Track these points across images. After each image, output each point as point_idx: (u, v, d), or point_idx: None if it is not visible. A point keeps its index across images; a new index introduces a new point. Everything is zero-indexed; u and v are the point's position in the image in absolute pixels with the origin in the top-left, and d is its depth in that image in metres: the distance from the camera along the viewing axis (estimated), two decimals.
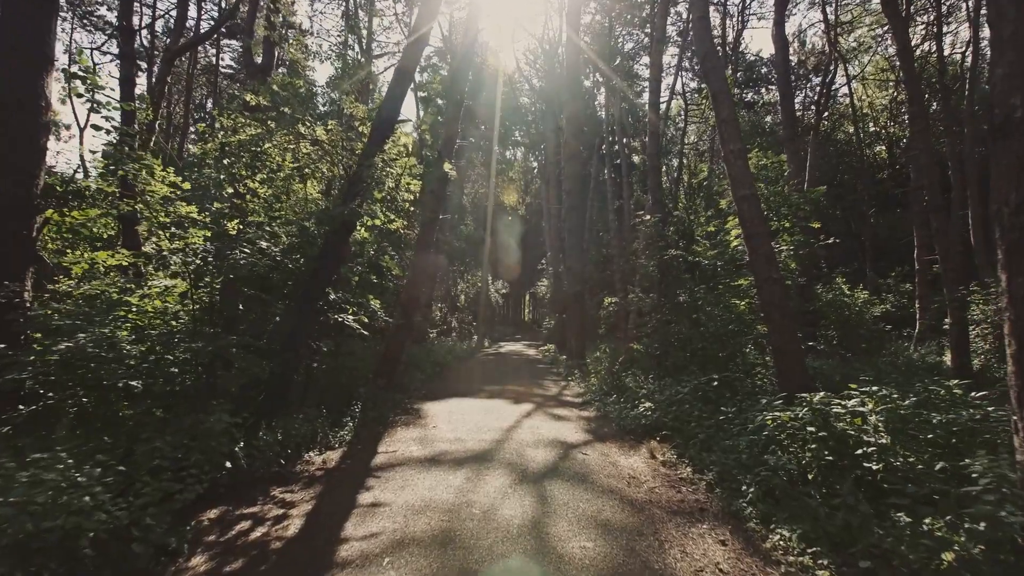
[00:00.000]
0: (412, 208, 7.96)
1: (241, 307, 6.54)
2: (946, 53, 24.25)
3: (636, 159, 37.83)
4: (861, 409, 4.40)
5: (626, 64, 35.00)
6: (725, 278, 8.95)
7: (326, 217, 6.40)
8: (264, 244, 6.09)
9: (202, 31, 21.90)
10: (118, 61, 11.63)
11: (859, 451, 4.16)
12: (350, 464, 5.34)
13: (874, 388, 5.09)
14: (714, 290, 8.69)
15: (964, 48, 25.86)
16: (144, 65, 23.66)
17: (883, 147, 33.43)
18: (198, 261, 5.44)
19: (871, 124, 33.81)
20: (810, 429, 4.45)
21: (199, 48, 26.49)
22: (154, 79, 22.35)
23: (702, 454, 5.32)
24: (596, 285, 26.12)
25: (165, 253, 5.63)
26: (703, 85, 33.55)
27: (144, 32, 23.41)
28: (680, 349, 8.75)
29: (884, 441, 4.10)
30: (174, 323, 5.92)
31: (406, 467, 5.18)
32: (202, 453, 4.23)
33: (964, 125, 20.19)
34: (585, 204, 22.18)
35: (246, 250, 5.71)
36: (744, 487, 4.29)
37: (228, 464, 4.35)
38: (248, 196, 6.74)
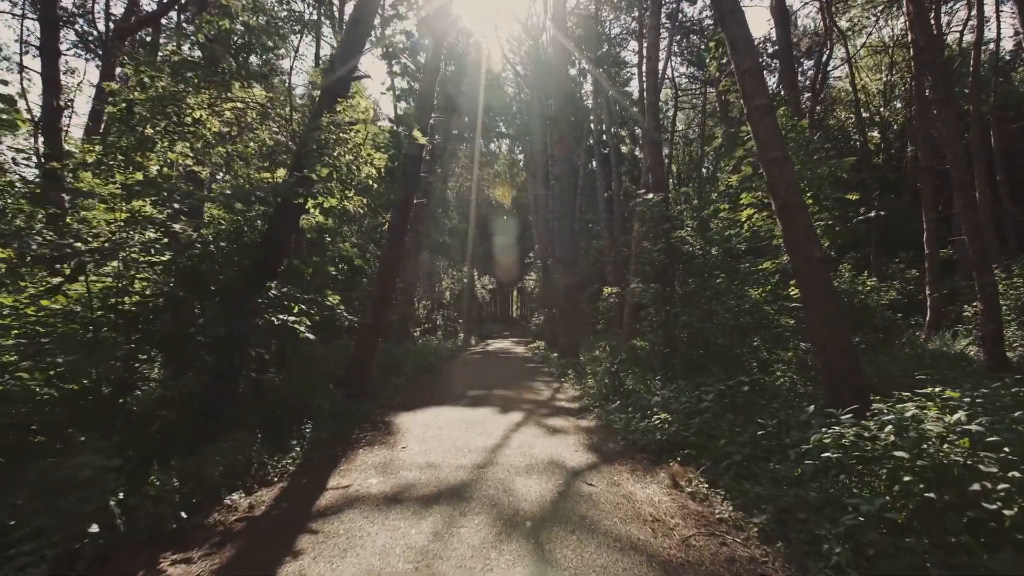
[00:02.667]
0: (377, 185, 6.67)
1: (160, 306, 5.25)
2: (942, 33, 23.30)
3: (624, 149, 36.81)
4: (970, 427, 3.23)
5: (613, 51, 33.77)
6: (744, 262, 7.79)
7: (265, 193, 5.09)
8: (178, 227, 4.78)
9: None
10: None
11: (974, 487, 3.00)
12: (285, 508, 4.07)
13: (947, 392, 3.97)
14: (734, 277, 7.52)
15: (962, 26, 25.10)
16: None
17: (875, 132, 32.62)
18: (81, 246, 4.13)
19: (862, 110, 32.98)
20: (898, 455, 3.28)
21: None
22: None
23: (743, 484, 4.13)
24: (586, 278, 24.94)
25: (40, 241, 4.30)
26: (698, 72, 32.60)
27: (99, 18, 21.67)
28: (690, 346, 7.57)
29: (1017, 475, 2.94)
30: (71, 327, 4.62)
31: (358, 512, 3.92)
32: (52, 516, 2.96)
33: (969, 104, 19.28)
34: (575, 191, 20.99)
35: (150, 234, 4.41)
36: (822, 541, 3.09)
37: (95, 527, 3.08)
38: (164, 168, 5.40)
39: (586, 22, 30.58)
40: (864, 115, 32.54)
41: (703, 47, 31.13)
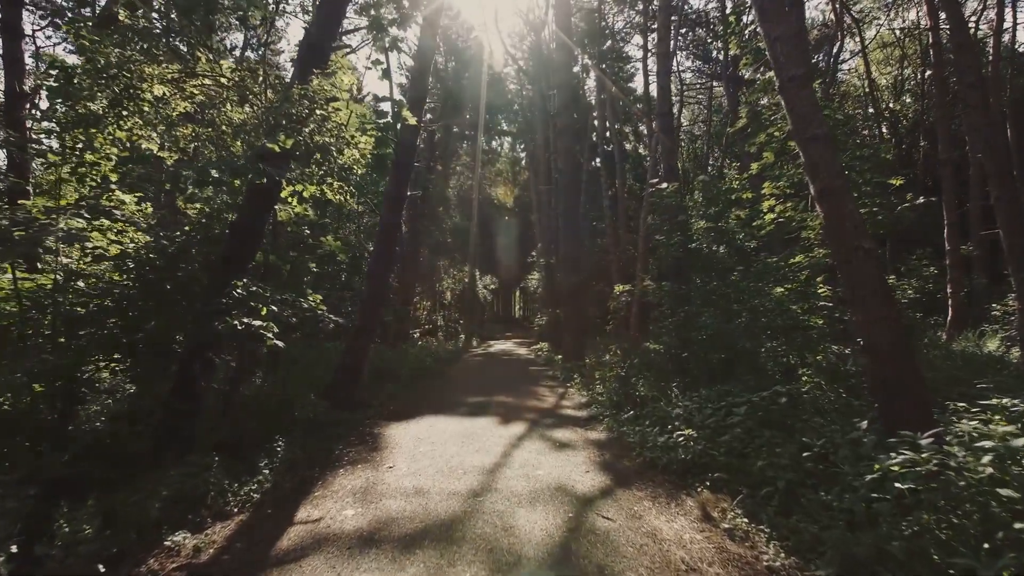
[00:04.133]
0: (361, 171, 5.95)
1: (107, 308, 4.56)
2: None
3: (628, 146, 36.10)
4: None
5: (617, 46, 33.04)
6: (760, 258, 7.07)
7: (222, 172, 4.37)
8: (118, 214, 4.09)
9: None
10: None
11: None
12: (238, 552, 3.36)
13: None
14: (759, 273, 6.78)
15: (976, 17, 24.26)
16: None
17: (884, 128, 31.77)
18: None
19: (869, 105, 32.15)
20: (1006, 494, 2.57)
21: None
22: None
23: (792, 519, 3.42)
24: (591, 277, 24.20)
25: None
26: (704, 66, 31.81)
27: None
28: (710, 349, 6.84)
29: None
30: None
31: (323, 558, 3.21)
32: None
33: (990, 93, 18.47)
34: (579, 186, 20.28)
35: (79, 224, 3.72)
36: None
37: None
38: (111, 149, 4.70)
39: (589, 16, 29.87)
40: (871, 111, 31.72)
41: (709, 40, 30.43)
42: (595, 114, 30.72)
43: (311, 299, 5.93)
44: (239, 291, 4.67)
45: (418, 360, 13.56)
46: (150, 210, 5.57)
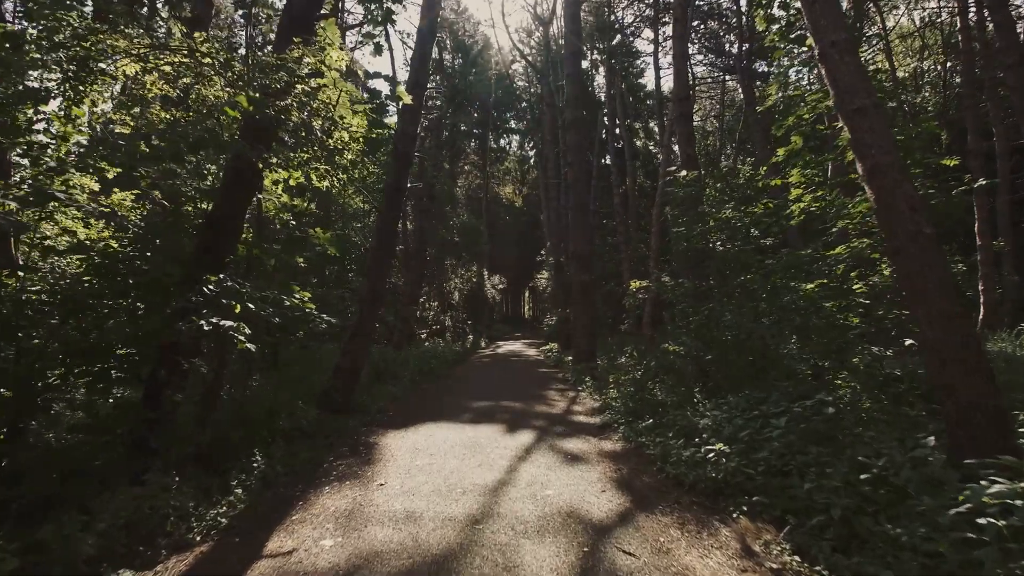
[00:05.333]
0: (351, 157, 5.41)
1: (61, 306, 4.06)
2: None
3: (638, 144, 35.46)
4: None
5: (627, 41, 32.34)
6: (807, 247, 6.45)
7: (187, 143, 3.84)
8: (80, 200, 3.58)
9: None
10: None
11: None
12: None
13: None
14: (791, 267, 6.16)
15: None
16: None
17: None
18: None
19: (891, 99, 31.16)
20: None
21: None
22: None
23: (855, 559, 2.82)
24: (601, 276, 23.55)
25: None
26: (716, 60, 31.00)
27: None
28: (737, 351, 6.23)
29: None
30: None
31: None
32: None
33: None
34: (589, 180, 19.67)
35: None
36: None
37: None
38: (67, 129, 4.19)
39: (598, 10, 29.27)
40: (892, 104, 30.72)
41: (722, 33, 29.64)
42: (605, 111, 30.08)
43: (299, 296, 5.40)
44: (210, 287, 4.15)
45: (422, 362, 13.04)
46: (128, 201, 5.08)
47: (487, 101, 34.02)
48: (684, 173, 7.03)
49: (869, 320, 5.82)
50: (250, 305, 4.39)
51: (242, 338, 3.85)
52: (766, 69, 30.01)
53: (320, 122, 5.00)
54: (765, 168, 7.27)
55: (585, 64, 31.93)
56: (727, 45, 30.01)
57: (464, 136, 34.79)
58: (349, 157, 5.18)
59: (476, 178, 39.37)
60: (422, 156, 19.40)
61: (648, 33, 31.45)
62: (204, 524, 3.60)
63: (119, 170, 4.07)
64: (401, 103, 5.58)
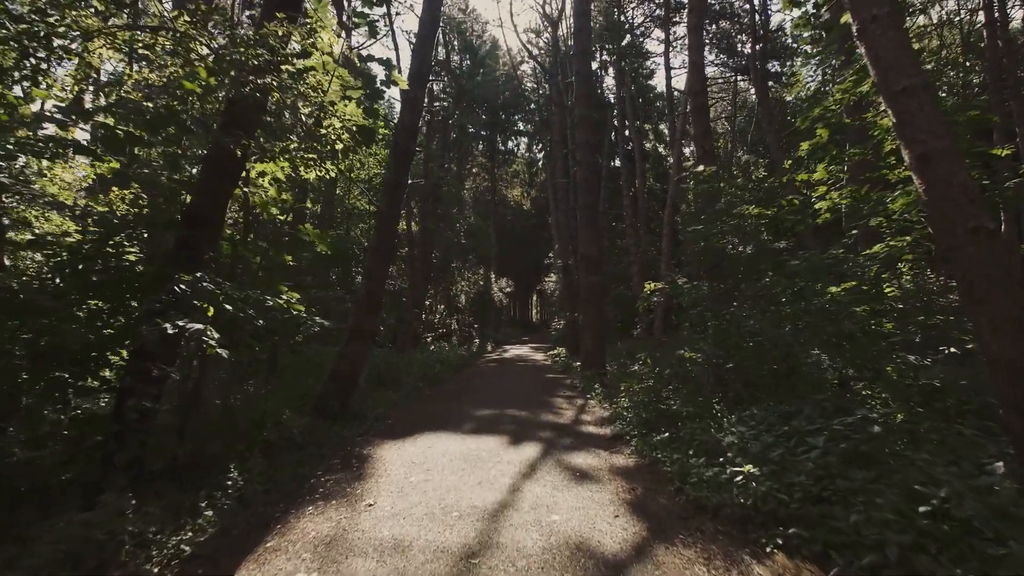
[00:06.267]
0: (343, 147, 5.00)
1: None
2: None
3: (648, 146, 34.97)
4: None
5: (637, 41, 31.87)
6: (830, 248, 5.96)
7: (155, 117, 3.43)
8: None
9: None
10: None
11: None
12: None
13: None
14: (816, 269, 5.67)
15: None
16: None
17: None
18: None
19: None
20: None
21: None
22: None
23: None
24: (610, 279, 23.04)
25: None
26: (728, 60, 30.41)
27: None
28: (759, 359, 5.74)
29: None
30: None
31: None
32: None
33: None
34: (599, 178, 19.24)
35: None
36: None
37: None
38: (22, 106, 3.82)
39: (607, 10, 28.85)
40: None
41: (734, 33, 29.07)
42: (615, 112, 29.65)
43: (286, 297, 5.01)
44: (182, 287, 3.75)
45: (425, 366, 12.63)
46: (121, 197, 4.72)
47: (495, 103, 33.68)
48: (701, 168, 6.57)
49: (906, 326, 5.31)
50: (227, 307, 3.99)
51: (212, 342, 3.44)
52: (779, 69, 29.48)
53: (308, 108, 4.60)
54: (789, 162, 6.79)
55: (594, 65, 31.53)
56: (739, 45, 29.44)
57: (472, 138, 34.48)
58: (340, 147, 4.78)
59: (484, 180, 39.06)
60: (427, 156, 19.03)
61: (658, 33, 30.98)
62: (166, 552, 3.19)
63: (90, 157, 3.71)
64: (398, 87, 5.19)
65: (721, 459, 4.23)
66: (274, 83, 3.85)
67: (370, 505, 4.10)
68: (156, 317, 3.52)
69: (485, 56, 31.95)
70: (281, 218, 5.78)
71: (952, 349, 5.16)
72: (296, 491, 4.46)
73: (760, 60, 24.31)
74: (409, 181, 8.16)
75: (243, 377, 7.88)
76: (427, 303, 23.68)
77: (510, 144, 42.25)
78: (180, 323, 3.39)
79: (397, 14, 21.48)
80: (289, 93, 4.22)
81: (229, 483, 4.07)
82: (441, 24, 25.39)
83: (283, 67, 4.06)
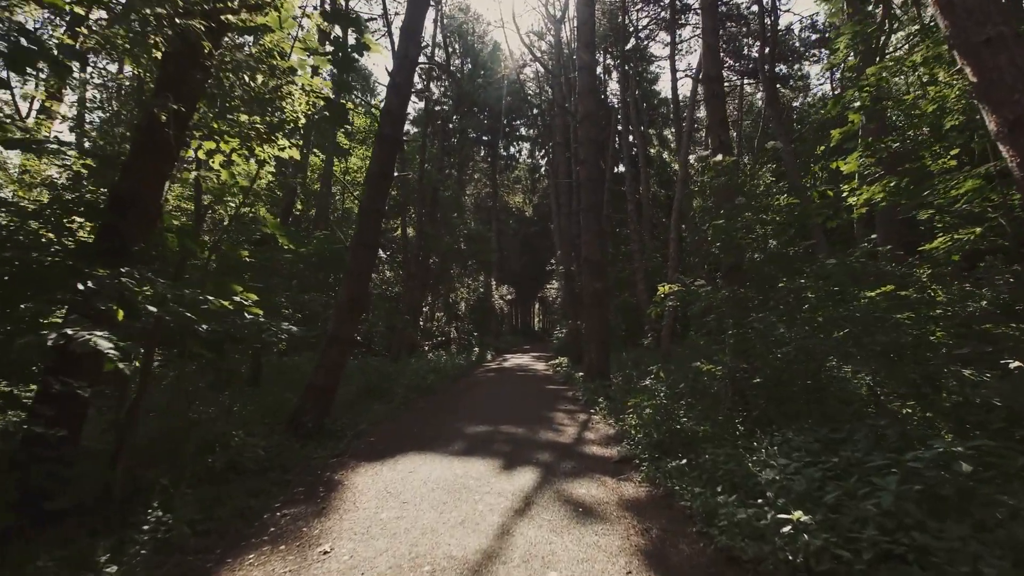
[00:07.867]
0: (303, 120, 4.29)
1: None
2: None
3: (652, 151, 34.38)
4: None
5: (641, 45, 31.33)
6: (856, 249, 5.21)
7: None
8: None
9: None
10: None
11: None
12: None
13: None
14: (850, 272, 4.92)
15: None
16: None
17: None
18: None
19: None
20: None
21: None
22: None
23: None
24: (614, 285, 22.26)
25: None
26: (735, 63, 29.80)
27: None
28: (791, 374, 4.96)
29: None
30: None
31: None
32: None
33: None
34: (602, 180, 18.55)
35: None
36: None
37: None
38: None
39: (611, 13, 28.33)
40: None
41: (742, 36, 28.46)
42: (618, 116, 29.03)
43: (239, 299, 4.26)
44: (89, 283, 3.01)
45: (418, 376, 11.85)
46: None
47: (497, 107, 33.15)
48: (720, 157, 5.85)
49: (965, 336, 4.54)
50: (151, 308, 3.24)
51: (113, 354, 2.69)
52: (787, 71, 28.82)
53: (262, 77, 3.88)
54: (822, 148, 6.05)
55: (598, 70, 30.98)
56: (745, 48, 28.88)
57: (473, 143, 33.95)
58: (303, 121, 4.06)
59: (485, 186, 38.50)
60: (423, 156, 18.37)
61: (664, 36, 30.47)
62: None
63: None
64: (386, 75, 4.46)
65: (758, 499, 3.45)
66: (203, 30, 3.14)
67: (325, 553, 3.34)
68: (39, 320, 2.77)
69: (487, 59, 31.46)
70: (244, 209, 5.05)
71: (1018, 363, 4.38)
72: (240, 531, 3.70)
73: (769, 62, 23.68)
74: (396, 173, 7.43)
75: (220, 388, 7.22)
76: (425, 310, 22.97)
77: (512, 149, 41.72)
78: (68, 331, 2.64)
79: (396, 14, 20.85)
80: (235, 53, 3.51)
81: (147, 526, 3.30)
82: (442, 25, 24.92)
83: (225, 16, 3.35)
